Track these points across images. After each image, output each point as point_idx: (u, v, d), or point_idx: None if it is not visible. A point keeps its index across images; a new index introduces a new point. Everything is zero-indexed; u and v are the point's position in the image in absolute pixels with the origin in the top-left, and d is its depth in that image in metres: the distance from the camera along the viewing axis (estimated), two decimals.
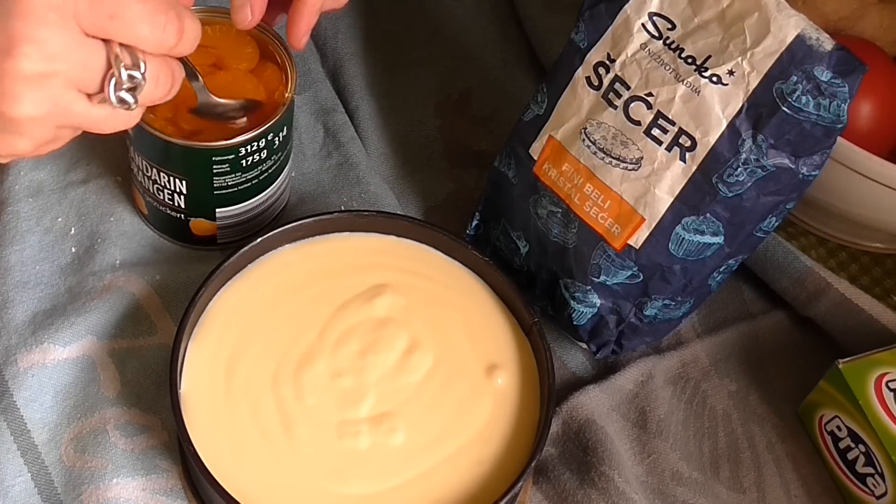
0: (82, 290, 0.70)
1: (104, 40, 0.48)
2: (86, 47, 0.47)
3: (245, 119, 0.67)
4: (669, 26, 0.62)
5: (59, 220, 0.73)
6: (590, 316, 0.68)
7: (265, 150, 0.67)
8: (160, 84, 0.51)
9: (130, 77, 0.48)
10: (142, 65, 0.49)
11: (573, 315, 0.69)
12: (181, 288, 0.71)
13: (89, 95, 0.49)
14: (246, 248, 0.66)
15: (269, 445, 0.61)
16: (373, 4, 0.89)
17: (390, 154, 0.81)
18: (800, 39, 0.59)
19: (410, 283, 0.67)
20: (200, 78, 0.63)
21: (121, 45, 0.48)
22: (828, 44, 0.59)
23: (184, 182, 0.68)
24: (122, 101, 0.49)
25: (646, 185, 0.63)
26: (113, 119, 0.51)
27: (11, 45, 0.45)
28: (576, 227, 0.66)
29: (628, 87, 0.63)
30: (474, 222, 0.74)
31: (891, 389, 0.66)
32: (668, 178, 0.62)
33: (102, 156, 0.76)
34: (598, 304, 0.68)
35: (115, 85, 0.48)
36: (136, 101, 0.50)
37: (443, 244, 0.69)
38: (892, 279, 0.79)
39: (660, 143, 0.62)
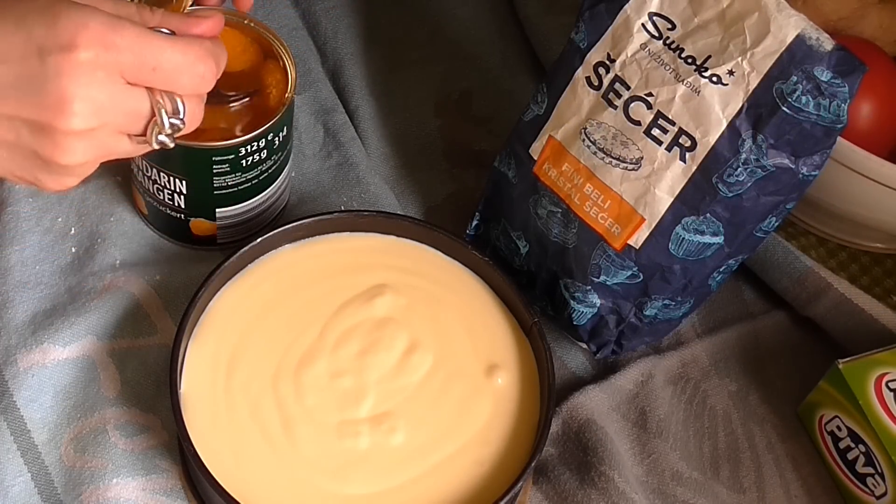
0: (82, 290, 0.70)
1: (147, 87, 0.50)
2: (131, 97, 0.50)
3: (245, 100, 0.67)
4: (669, 26, 0.62)
5: (59, 220, 0.73)
6: (590, 316, 0.68)
7: (265, 150, 0.67)
8: (194, 121, 0.53)
9: (172, 124, 0.51)
10: (181, 109, 0.51)
11: (573, 315, 0.69)
12: (181, 288, 0.71)
13: (131, 135, 0.52)
14: (246, 248, 0.66)
15: (269, 445, 0.61)
16: (373, 4, 0.89)
17: (390, 154, 0.81)
18: (800, 39, 0.59)
19: (410, 283, 0.67)
20: None
21: (162, 91, 0.51)
22: (828, 44, 0.59)
23: (184, 182, 0.68)
24: (161, 143, 0.52)
25: (646, 185, 0.63)
26: (155, 149, 0.53)
27: (62, 104, 0.47)
28: (576, 227, 0.66)
29: (628, 87, 0.63)
30: (474, 222, 0.74)
31: (891, 389, 0.66)
32: (668, 178, 0.62)
33: None
34: (598, 304, 0.68)
35: (157, 131, 0.51)
36: (173, 141, 0.52)
37: (443, 244, 0.69)
38: (892, 279, 0.79)
39: (660, 143, 0.62)
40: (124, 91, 0.49)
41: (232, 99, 0.66)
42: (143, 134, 0.51)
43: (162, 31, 0.50)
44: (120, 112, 0.49)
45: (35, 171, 0.50)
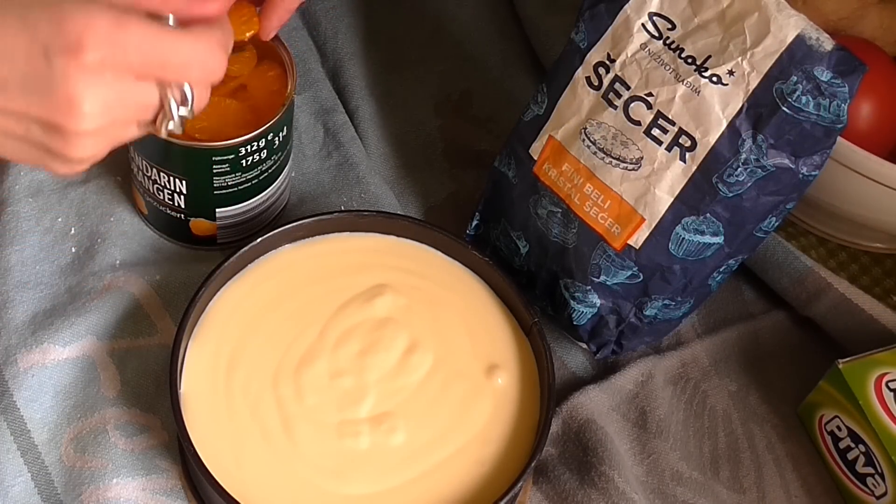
0: (82, 290, 0.70)
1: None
2: (140, 92, 0.49)
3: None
4: (669, 26, 0.62)
5: (59, 220, 0.73)
6: (590, 316, 0.68)
7: (265, 150, 0.67)
8: (201, 105, 0.52)
9: (181, 115, 0.50)
10: (189, 98, 0.50)
11: (573, 315, 0.69)
12: (181, 288, 0.70)
13: (146, 123, 0.51)
14: (246, 248, 0.66)
15: (269, 445, 0.61)
16: (373, 4, 0.89)
17: (390, 154, 0.81)
18: (800, 39, 0.59)
19: (410, 283, 0.67)
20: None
21: (171, 82, 0.50)
22: (828, 44, 0.59)
23: (184, 182, 0.68)
24: (170, 131, 0.51)
25: (646, 185, 0.63)
26: (166, 135, 0.52)
27: (71, 106, 0.47)
28: (576, 227, 0.66)
29: (628, 87, 0.63)
30: (474, 222, 0.74)
31: (891, 389, 0.66)
32: (668, 178, 0.62)
33: None
34: (598, 304, 0.68)
35: (167, 120, 0.50)
36: (182, 128, 0.51)
37: (443, 244, 0.69)
38: (892, 279, 0.79)
39: (660, 143, 0.62)
40: (133, 87, 0.48)
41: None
42: (154, 123, 0.51)
43: (167, 23, 0.49)
44: (129, 107, 0.49)
45: (46, 160, 0.50)
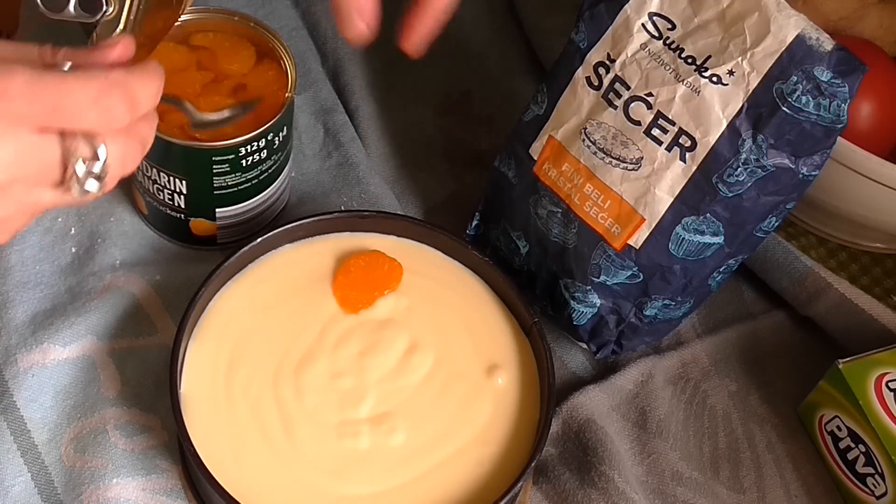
0: (82, 290, 0.70)
1: (59, 133, 0.45)
2: (38, 146, 0.45)
3: (246, 116, 0.66)
4: (669, 26, 0.62)
5: (59, 220, 0.73)
6: (590, 316, 0.68)
7: (265, 150, 0.67)
8: (127, 162, 0.48)
9: (89, 171, 0.46)
10: (102, 151, 0.46)
11: (573, 315, 0.69)
12: (181, 288, 0.70)
13: (55, 183, 0.47)
14: (246, 248, 0.66)
15: (269, 445, 0.61)
16: None
17: (390, 154, 0.81)
18: (800, 39, 0.59)
19: (411, 283, 0.67)
20: (186, 103, 0.61)
21: (76, 135, 0.46)
22: (828, 44, 0.59)
23: (184, 182, 0.68)
24: (86, 191, 0.47)
25: (646, 185, 0.63)
26: (85, 198, 0.48)
27: None
28: (576, 227, 0.66)
29: (628, 87, 0.63)
30: (474, 222, 0.74)
31: (891, 389, 0.66)
32: (668, 178, 0.62)
33: None
34: (598, 304, 0.68)
35: (77, 179, 0.47)
36: (102, 187, 0.47)
37: (443, 244, 0.69)
38: (892, 279, 0.79)
39: (660, 143, 0.62)
40: (31, 141, 0.44)
41: (231, 119, 0.66)
42: (64, 183, 0.46)
43: (62, 69, 0.45)
44: (28, 163, 0.45)
45: None
